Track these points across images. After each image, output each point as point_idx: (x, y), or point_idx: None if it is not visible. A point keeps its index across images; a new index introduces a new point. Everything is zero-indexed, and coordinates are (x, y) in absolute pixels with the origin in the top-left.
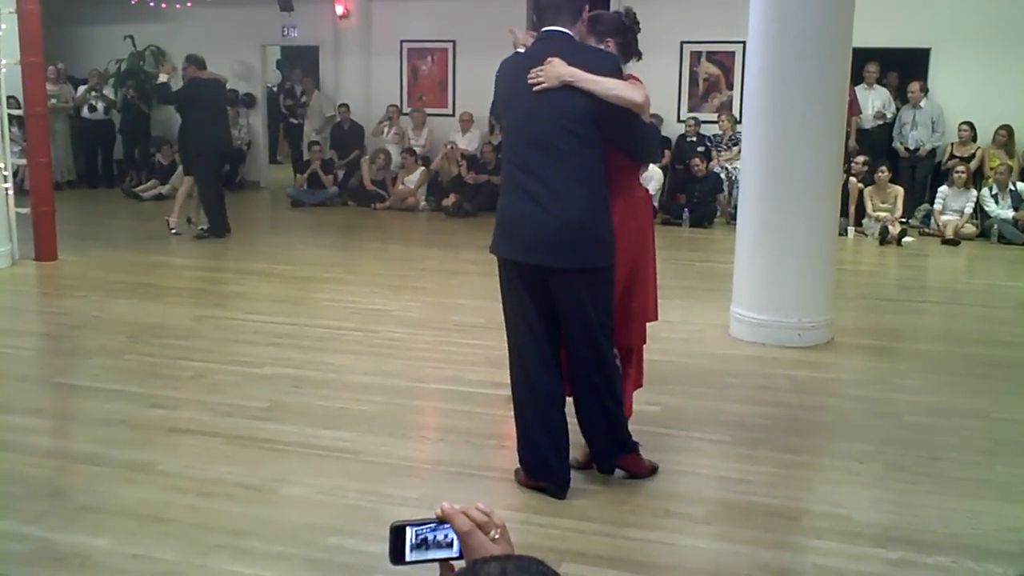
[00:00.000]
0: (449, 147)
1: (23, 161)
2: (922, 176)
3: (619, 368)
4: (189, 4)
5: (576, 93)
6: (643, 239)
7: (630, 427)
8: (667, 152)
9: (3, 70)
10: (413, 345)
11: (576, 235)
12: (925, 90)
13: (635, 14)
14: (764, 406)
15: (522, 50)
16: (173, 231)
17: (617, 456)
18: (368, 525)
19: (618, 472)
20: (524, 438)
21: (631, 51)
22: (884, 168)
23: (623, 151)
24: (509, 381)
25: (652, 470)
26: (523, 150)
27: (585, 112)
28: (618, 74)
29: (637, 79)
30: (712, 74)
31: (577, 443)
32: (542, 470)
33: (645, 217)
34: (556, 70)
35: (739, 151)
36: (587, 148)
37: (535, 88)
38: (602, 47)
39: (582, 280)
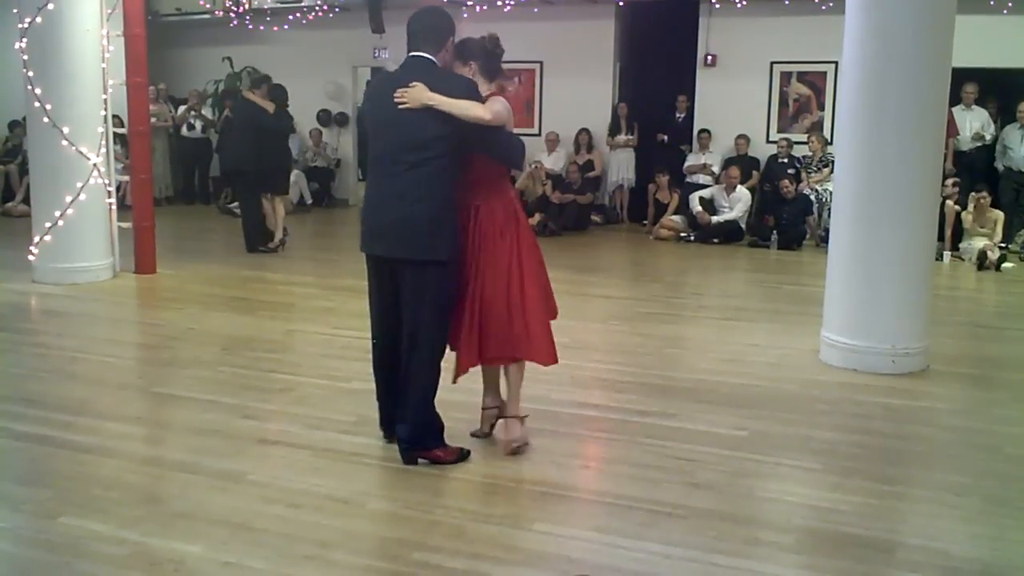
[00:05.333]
0: (534, 166)
1: (125, 177)
2: None
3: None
4: (287, 27)
5: (431, 114)
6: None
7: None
8: (755, 173)
9: (109, 90)
10: None
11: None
12: None
13: (498, 39)
14: (856, 434)
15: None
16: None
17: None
18: (453, 541)
19: (705, 496)
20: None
21: (494, 72)
22: (985, 192)
23: (497, 160)
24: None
25: (460, 456)
26: (378, 159)
27: (435, 130)
28: (474, 95)
29: (497, 95)
30: (803, 94)
31: None
32: None
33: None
34: (418, 94)
35: (829, 172)
36: (435, 160)
37: (400, 107)
38: (466, 69)
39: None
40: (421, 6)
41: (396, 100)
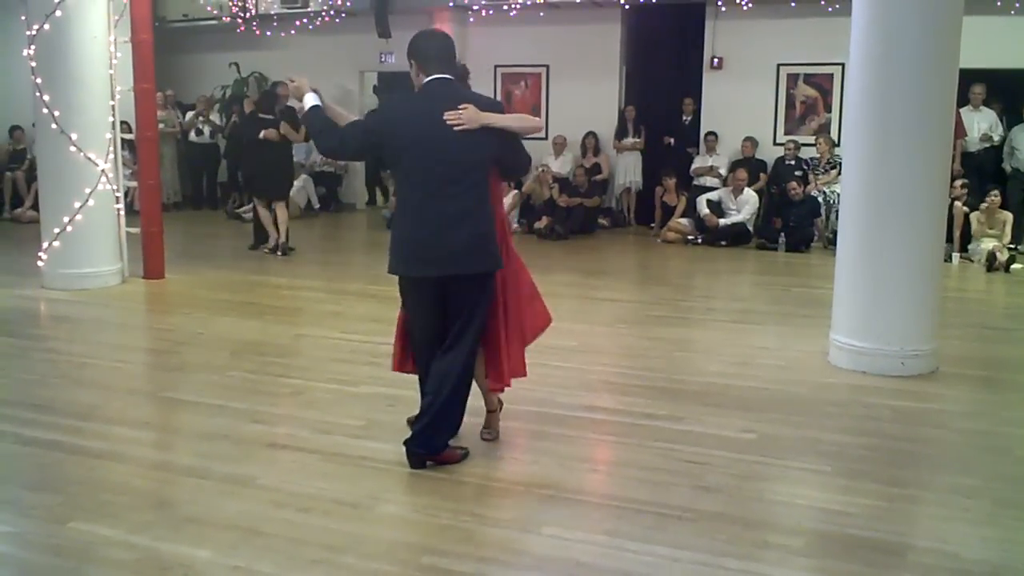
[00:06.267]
0: (541, 170)
1: (133, 183)
2: None
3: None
4: (293, 32)
5: (482, 133)
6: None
7: None
8: (762, 175)
9: (117, 96)
10: None
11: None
12: None
13: (465, 65)
14: (865, 436)
15: (313, 96)
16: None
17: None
18: (461, 545)
19: (714, 500)
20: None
21: None
22: (996, 192)
23: (509, 173)
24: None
25: (463, 456)
26: (428, 185)
27: (486, 148)
28: (502, 111)
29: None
30: (809, 96)
31: None
32: None
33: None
34: (475, 116)
35: (837, 174)
36: (486, 177)
37: (457, 128)
38: None
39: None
40: (424, 29)
41: (451, 122)
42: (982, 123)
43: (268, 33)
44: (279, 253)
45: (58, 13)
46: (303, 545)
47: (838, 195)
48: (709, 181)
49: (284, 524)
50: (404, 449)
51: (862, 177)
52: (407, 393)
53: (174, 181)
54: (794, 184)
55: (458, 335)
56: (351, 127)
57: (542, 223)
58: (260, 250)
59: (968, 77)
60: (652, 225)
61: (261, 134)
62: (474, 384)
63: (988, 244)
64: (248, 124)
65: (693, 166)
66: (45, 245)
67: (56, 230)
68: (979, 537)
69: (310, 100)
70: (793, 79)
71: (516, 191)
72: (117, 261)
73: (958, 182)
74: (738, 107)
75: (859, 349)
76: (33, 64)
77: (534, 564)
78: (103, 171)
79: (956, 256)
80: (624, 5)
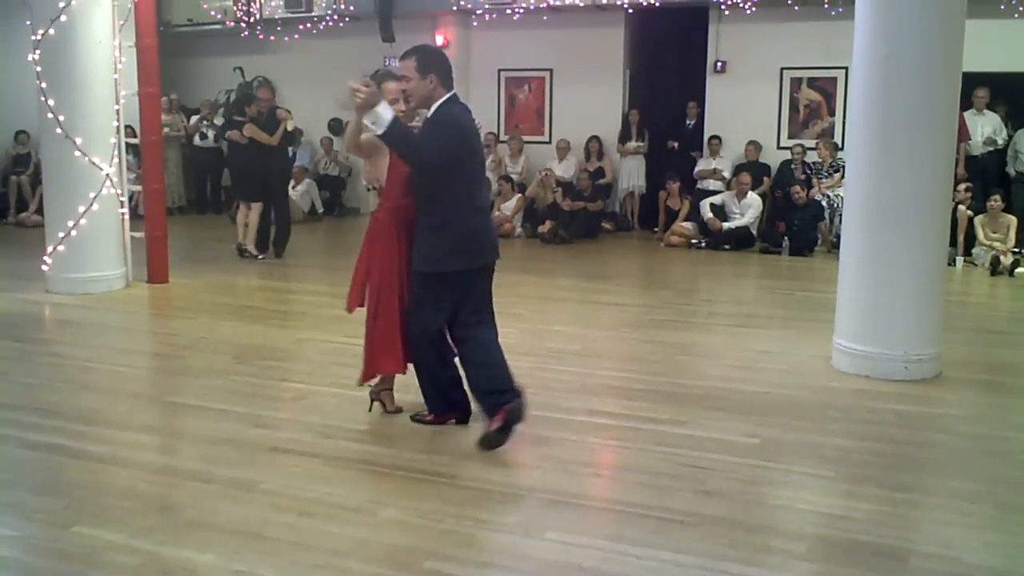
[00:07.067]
0: (544, 174)
1: (138, 187)
2: None
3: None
4: (296, 36)
5: None
6: None
7: None
8: (766, 179)
9: (122, 100)
10: None
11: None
12: None
13: None
14: (868, 441)
15: (388, 108)
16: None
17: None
18: (464, 550)
19: (717, 504)
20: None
21: None
22: (997, 196)
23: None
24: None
25: None
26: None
27: None
28: None
29: None
30: (813, 100)
31: None
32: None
33: None
34: None
35: (840, 178)
36: None
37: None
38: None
39: None
40: (429, 45)
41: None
42: (986, 127)
43: (272, 37)
44: (241, 254)
45: (63, 18)
46: (306, 550)
47: (841, 199)
48: (712, 185)
49: (287, 528)
50: (509, 418)
51: (865, 181)
52: (409, 398)
53: (178, 185)
54: (798, 188)
55: (487, 309)
56: (435, 139)
57: (545, 227)
58: (245, 255)
59: (972, 80)
60: (655, 229)
61: (227, 135)
62: (466, 385)
63: (992, 248)
64: (225, 127)
65: (696, 170)
66: (50, 249)
67: (60, 234)
68: (982, 542)
69: (387, 113)
70: (796, 83)
71: (520, 195)
72: (121, 265)
73: (962, 186)
74: (741, 111)
75: (862, 353)
76: (38, 69)
77: (536, 569)
78: (107, 175)
79: (960, 260)
80: (627, 9)
